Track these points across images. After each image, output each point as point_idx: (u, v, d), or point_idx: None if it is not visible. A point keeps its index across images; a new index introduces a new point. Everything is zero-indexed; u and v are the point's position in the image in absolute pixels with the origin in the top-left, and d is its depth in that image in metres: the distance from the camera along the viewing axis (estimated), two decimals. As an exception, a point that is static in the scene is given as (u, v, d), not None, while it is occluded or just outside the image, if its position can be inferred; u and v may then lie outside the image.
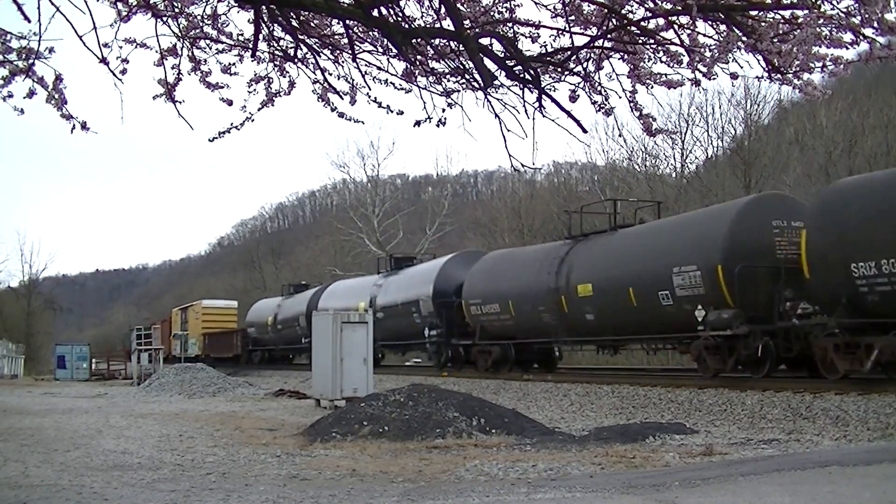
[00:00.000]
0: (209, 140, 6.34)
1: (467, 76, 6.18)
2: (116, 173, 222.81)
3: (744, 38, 5.06)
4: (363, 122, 6.72)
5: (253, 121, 6.21)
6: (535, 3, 5.57)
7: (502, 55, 5.92)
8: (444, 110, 6.26)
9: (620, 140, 43.04)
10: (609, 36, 5.54)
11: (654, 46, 5.39)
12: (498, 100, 6.16)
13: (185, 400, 23.58)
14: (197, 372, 28.09)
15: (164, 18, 5.71)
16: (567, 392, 18.78)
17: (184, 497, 7.66)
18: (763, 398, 14.30)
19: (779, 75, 5.11)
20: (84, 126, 5.40)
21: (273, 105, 6.29)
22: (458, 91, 6.31)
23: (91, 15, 5.19)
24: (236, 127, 6.24)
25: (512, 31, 5.91)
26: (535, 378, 21.50)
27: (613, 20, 5.41)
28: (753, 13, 5.11)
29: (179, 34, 5.87)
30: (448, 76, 6.29)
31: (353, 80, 6.34)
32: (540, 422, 14.05)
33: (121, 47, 5.60)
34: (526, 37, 5.85)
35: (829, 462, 8.08)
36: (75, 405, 21.96)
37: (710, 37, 5.29)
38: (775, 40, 4.92)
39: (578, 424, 14.76)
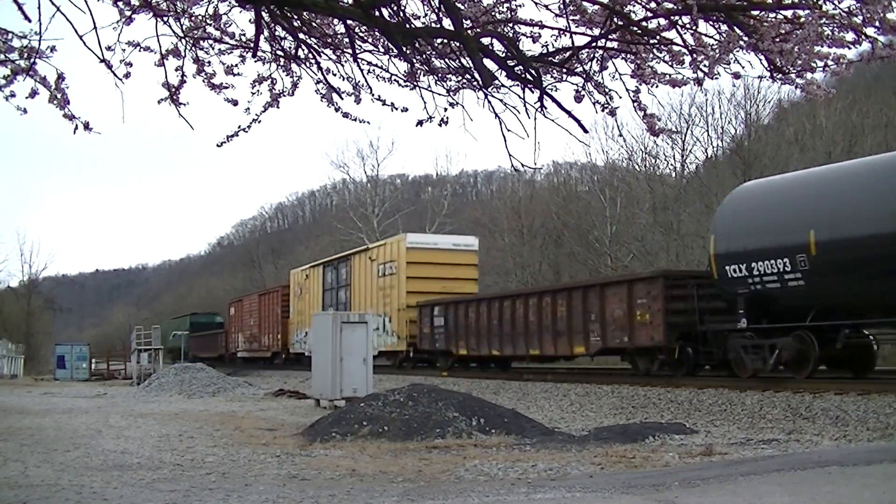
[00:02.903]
0: (217, 145, 6.29)
1: (468, 75, 6.16)
2: (116, 173, 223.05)
3: (745, 38, 5.05)
4: (368, 122, 6.66)
5: (259, 122, 6.18)
6: (536, 4, 5.56)
7: (503, 55, 5.90)
8: (445, 109, 6.24)
9: (620, 140, 43.03)
10: (611, 36, 5.53)
11: (656, 46, 5.38)
12: (499, 100, 6.15)
13: (185, 400, 23.58)
14: (196, 372, 28.15)
15: (166, 18, 5.69)
16: (567, 392, 18.79)
17: (183, 497, 7.66)
18: (763, 398, 14.30)
19: (780, 75, 5.11)
20: (87, 127, 5.38)
21: (278, 106, 6.25)
22: (460, 89, 6.29)
23: (91, 15, 5.18)
24: (244, 129, 6.20)
25: (513, 31, 5.89)
26: (535, 378, 21.51)
27: (615, 20, 5.39)
28: (755, 13, 5.11)
29: (182, 34, 5.85)
30: (450, 74, 6.27)
31: (356, 80, 6.32)
32: (540, 422, 14.05)
33: (124, 50, 5.58)
34: (527, 37, 5.84)
35: (829, 462, 8.08)
36: (75, 405, 21.95)
37: (712, 37, 5.29)
38: (777, 40, 4.92)
39: (578, 424, 14.76)
